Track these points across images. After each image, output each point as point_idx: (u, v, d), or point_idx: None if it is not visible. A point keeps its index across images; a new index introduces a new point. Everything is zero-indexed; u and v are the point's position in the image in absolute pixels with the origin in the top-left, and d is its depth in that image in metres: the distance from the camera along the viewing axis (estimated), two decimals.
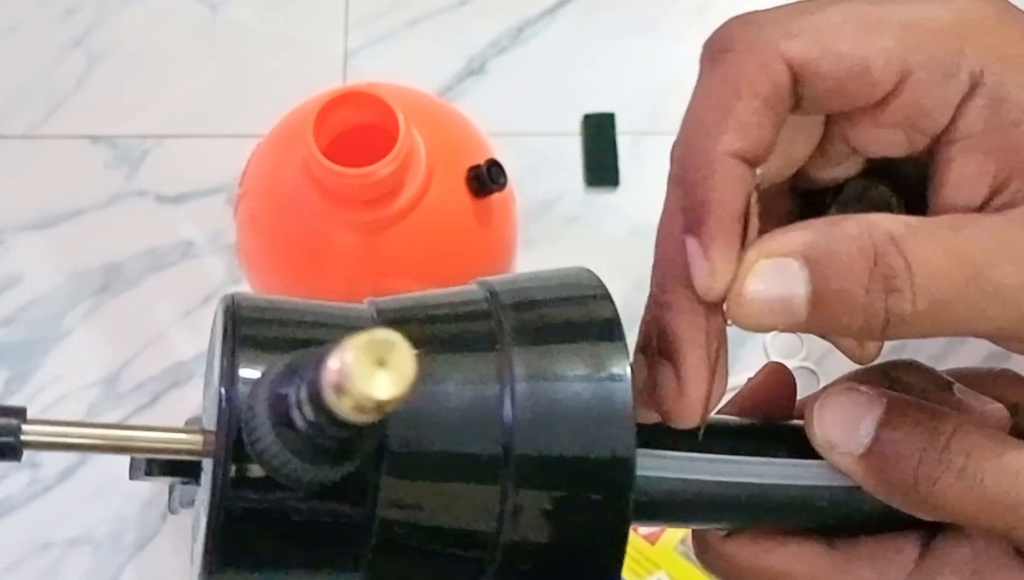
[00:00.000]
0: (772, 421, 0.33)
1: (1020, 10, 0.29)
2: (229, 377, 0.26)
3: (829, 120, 0.30)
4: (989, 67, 0.28)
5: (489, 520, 0.27)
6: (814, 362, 0.69)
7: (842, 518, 0.31)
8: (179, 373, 0.76)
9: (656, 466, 0.29)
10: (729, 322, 0.28)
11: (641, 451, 0.28)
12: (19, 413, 0.26)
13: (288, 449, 0.24)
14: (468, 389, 0.27)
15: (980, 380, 0.32)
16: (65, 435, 0.26)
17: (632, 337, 0.29)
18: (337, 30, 0.86)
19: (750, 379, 0.34)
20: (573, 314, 0.29)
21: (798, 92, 0.28)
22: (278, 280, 0.63)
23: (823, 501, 0.30)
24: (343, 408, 0.22)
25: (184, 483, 0.29)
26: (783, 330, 0.27)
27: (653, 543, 0.68)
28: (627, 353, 0.28)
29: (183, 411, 0.75)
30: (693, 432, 0.30)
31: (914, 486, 0.28)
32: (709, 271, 0.28)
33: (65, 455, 0.74)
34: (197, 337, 0.77)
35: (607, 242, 0.79)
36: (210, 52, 0.86)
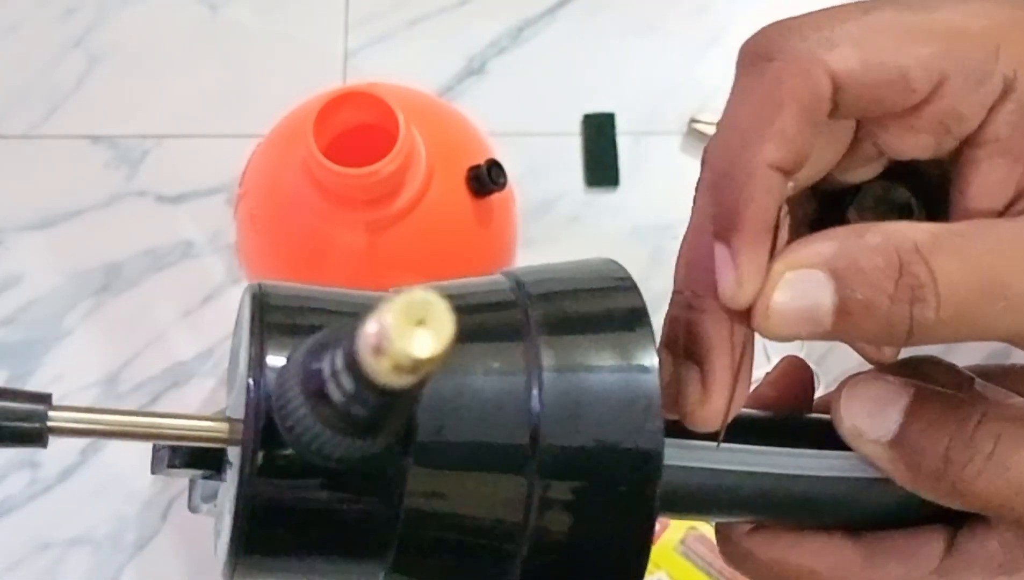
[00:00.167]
0: (793, 415, 0.33)
1: None
2: (258, 363, 0.26)
3: (858, 124, 0.30)
4: (1021, 70, 0.28)
5: (516, 511, 0.27)
6: (814, 362, 0.68)
7: (867, 512, 0.30)
8: (179, 373, 0.76)
9: (683, 456, 0.29)
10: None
11: (668, 441, 0.27)
12: (45, 399, 0.26)
13: (321, 423, 0.24)
14: (495, 379, 0.27)
15: (991, 375, 0.32)
16: (90, 422, 0.26)
17: None
18: (337, 30, 0.86)
19: (767, 374, 0.34)
20: (600, 304, 0.29)
21: (835, 99, 0.28)
22: (278, 280, 0.63)
23: (848, 494, 0.30)
24: (382, 369, 0.21)
25: (206, 478, 0.29)
26: (805, 339, 0.27)
27: (653, 543, 0.68)
28: (655, 343, 0.28)
29: (183, 411, 0.75)
30: (711, 433, 0.30)
31: (943, 472, 0.28)
32: (736, 282, 0.27)
33: (65, 455, 0.74)
34: (197, 337, 0.77)
35: (607, 242, 0.79)
36: (210, 52, 0.86)
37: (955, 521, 0.30)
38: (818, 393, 0.34)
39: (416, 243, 0.60)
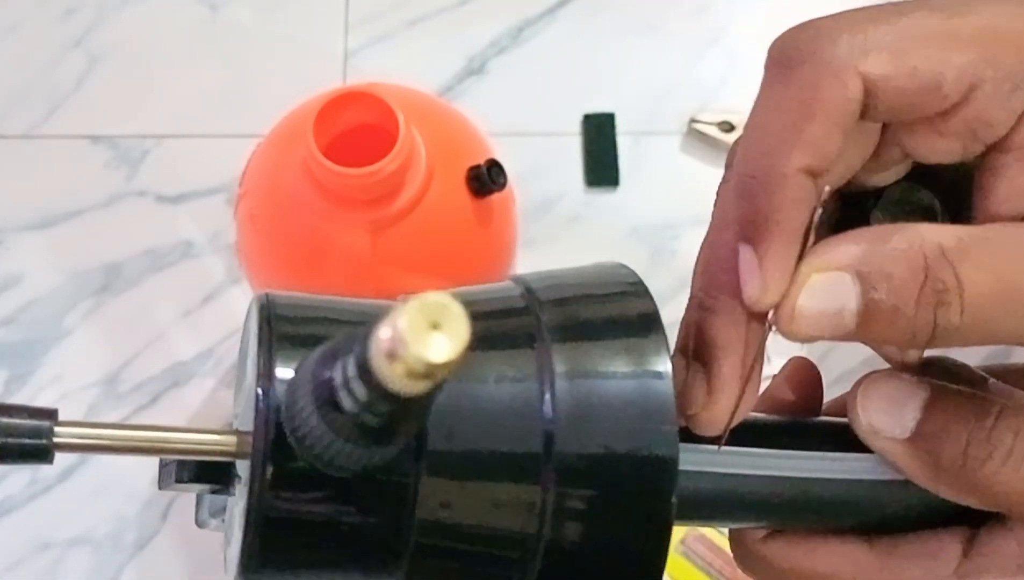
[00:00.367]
0: (804, 418, 0.32)
1: None
2: (267, 375, 0.26)
3: (886, 127, 0.30)
4: None
5: (530, 520, 0.27)
6: (814, 361, 0.69)
7: (884, 515, 0.30)
8: (179, 373, 0.76)
9: (697, 461, 0.29)
10: (773, 331, 0.28)
11: (682, 446, 0.27)
12: (51, 415, 0.25)
13: (332, 432, 0.23)
14: (507, 387, 0.27)
15: (993, 375, 0.32)
16: (97, 437, 0.26)
17: None
18: (337, 30, 0.86)
19: (775, 376, 0.33)
20: (612, 309, 0.29)
21: (866, 104, 0.28)
22: (278, 280, 0.63)
23: (865, 496, 0.30)
24: (395, 375, 0.21)
25: (213, 492, 0.29)
26: (828, 340, 0.27)
27: None
28: (668, 348, 0.28)
29: (183, 411, 0.75)
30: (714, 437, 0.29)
31: (961, 468, 0.28)
32: (762, 284, 0.27)
33: (66, 455, 0.74)
34: (197, 337, 0.77)
35: (607, 242, 0.79)
36: (210, 52, 0.86)
37: (974, 523, 0.30)
38: None
39: (416, 243, 0.60)
